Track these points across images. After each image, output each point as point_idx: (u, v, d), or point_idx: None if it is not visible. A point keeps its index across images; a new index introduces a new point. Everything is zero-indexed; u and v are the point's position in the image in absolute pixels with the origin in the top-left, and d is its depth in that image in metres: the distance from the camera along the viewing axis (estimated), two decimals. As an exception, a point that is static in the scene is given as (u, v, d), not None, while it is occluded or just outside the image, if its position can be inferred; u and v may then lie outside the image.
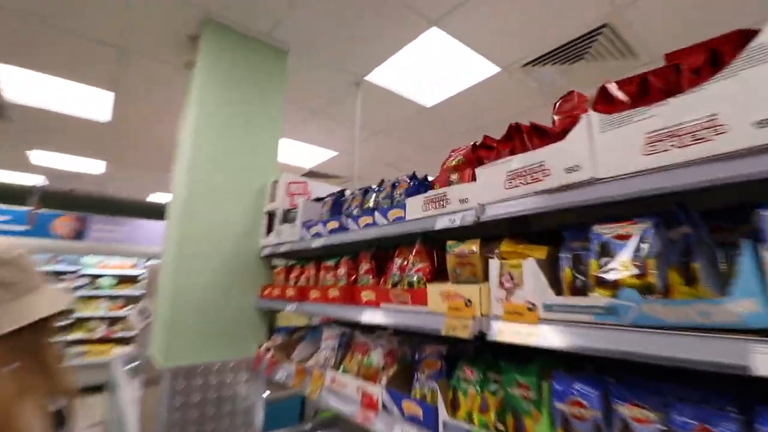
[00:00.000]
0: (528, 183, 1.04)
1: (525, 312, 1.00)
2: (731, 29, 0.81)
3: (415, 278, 1.33)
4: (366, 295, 1.58)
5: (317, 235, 1.96)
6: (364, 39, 2.88)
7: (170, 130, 4.21)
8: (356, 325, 1.91)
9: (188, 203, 2.32)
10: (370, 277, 1.63)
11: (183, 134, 2.75)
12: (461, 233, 1.39)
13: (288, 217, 2.42)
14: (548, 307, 0.95)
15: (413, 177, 1.56)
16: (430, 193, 1.33)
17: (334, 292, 1.73)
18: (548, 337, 0.93)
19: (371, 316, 1.46)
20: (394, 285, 1.44)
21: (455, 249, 1.20)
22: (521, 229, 1.38)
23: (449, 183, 1.29)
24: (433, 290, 1.25)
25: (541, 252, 1.05)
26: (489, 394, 1.14)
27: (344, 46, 2.97)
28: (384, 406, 1.35)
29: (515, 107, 3.88)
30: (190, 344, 2.18)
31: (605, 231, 0.93)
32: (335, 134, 4.67)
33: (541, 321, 0.96)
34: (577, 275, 0.96)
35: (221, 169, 2.48)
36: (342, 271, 1.77)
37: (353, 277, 1.73)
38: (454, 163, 1.31)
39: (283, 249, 2.26)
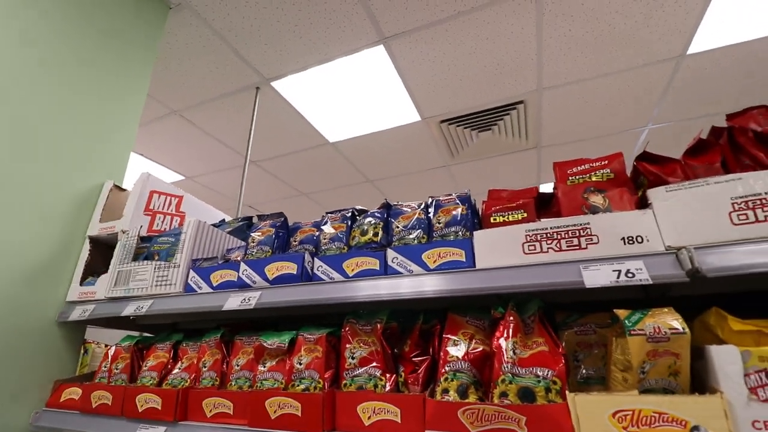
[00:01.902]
0: (789, 218, 0.63)
1: None
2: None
3: (538, 382, 0.68)
4: (368, 410, 0.80)
5: (239, 285, 1.04)
6: (294, 31, 2.21)
7: None
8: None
9: None
10: (378, 371, 0.86)
11: None
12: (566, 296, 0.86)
13: (146, 249, 1.35)
14: None
15: (467, 199, 0.96)
16: (549, 223, 0.77)
17: (284, 406, 0.85)
18: None
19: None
20: (462, 392, 0.74)
21: (641, 326, 0.65)
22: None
23: (588, 207, 0.77)
24: (594, 405, 0.64)
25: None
26: None
27: (262, 30, 2.21)
28: None
29: (417, 164, 3.74)
30: None
31: None
32: (195, 146, 3.50)
33: None
34: None
35: None
36: (304, 359, 0.91)
37: (329, 372, 0.90)
38: (594, 178, 0.79)
39: (131, 309, 1.17)
